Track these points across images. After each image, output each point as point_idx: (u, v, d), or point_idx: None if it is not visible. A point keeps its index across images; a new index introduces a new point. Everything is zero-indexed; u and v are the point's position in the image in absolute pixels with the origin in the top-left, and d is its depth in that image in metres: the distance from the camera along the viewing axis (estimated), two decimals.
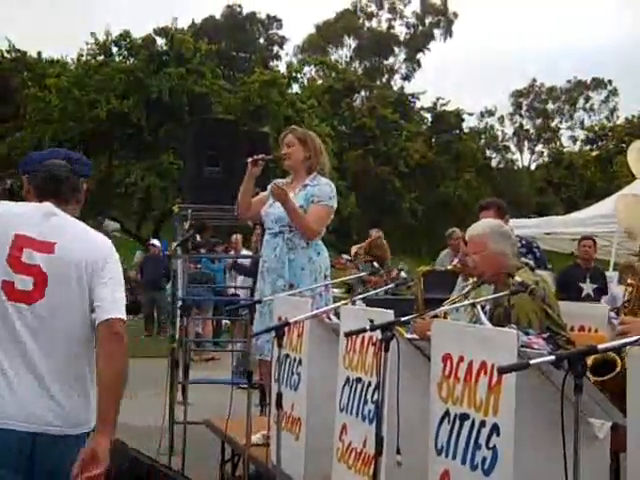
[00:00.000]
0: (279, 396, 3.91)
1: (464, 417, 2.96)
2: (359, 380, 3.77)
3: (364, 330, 3.20)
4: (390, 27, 54.74)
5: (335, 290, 6.46)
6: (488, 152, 51.06)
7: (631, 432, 2.62)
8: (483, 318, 3.53)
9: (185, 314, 6.23)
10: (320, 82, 43.79)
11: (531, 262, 4.59)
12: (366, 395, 3.68)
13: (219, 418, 5.22)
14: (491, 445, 2.79)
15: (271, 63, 48.26)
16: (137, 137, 28.51)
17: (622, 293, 5.75)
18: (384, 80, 54.21)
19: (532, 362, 2.30)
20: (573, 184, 45.76)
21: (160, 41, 32.06)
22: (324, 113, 36.68)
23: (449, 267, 5.27)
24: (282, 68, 39.60)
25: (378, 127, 40.43)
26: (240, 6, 52.32)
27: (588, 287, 9.30)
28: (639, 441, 2.57)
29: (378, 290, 5.11)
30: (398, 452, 3.20)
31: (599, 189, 37.29)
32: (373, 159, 39.64)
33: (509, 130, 55.11)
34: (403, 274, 13.79)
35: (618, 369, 3.26)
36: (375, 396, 3.40)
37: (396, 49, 54.58)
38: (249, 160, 5.00)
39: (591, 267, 9.59)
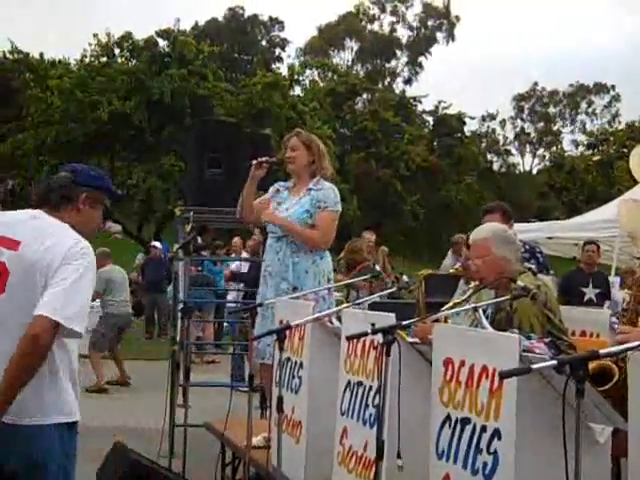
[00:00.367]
0: (280, 399, 3.91)
1: (465, 421, 2.95)
2: (360, 384, 3.76)
3: (365, 334, 3.20)
4: (392, 30, 54.82)
5: (337, 294, 6.46)
6: (490, 156, 51.11)
7: (632, 437, 2.62)
8: (485, 322, 3.53)
9: (186, 317, 6.22)
10: (322, 85, 43.79)
11: (534, 267, 4.57)
12: (367, 399, 3.67)
13: (220, 421, 5.21)
14: (492, 450, 2.79)
15: (273, 65, 48.29)
16: (139, 139, 28.49)
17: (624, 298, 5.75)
18: (386, 83, 54.23)
19: (534, 367, 2.30)
20: (574, 188, 45.72)
21: (162, 43, 32.09)
22: (326, 116, 36.68)
23: (450, 270, 5.26)
24: (284, 70, 39.61)
25: (380, 130, 40.40)
26: (242, 8, 52.49)
27: (590, 292, 9.28)
28: None
29: (375, 296, 5.07)
30: (399, 456, 3.19)
31: (600, 193, 37.27)
32: (375, 162, 39.60)
33: (511, 134, 55.28)
34: (405, 278, 13.79)
35: (616, 378, 3.26)
36: (376, 400, 3.39)
37: (398, 52, 54.64)
38: (253, 162, 4.98)
39: (594, 272, 9.57)
